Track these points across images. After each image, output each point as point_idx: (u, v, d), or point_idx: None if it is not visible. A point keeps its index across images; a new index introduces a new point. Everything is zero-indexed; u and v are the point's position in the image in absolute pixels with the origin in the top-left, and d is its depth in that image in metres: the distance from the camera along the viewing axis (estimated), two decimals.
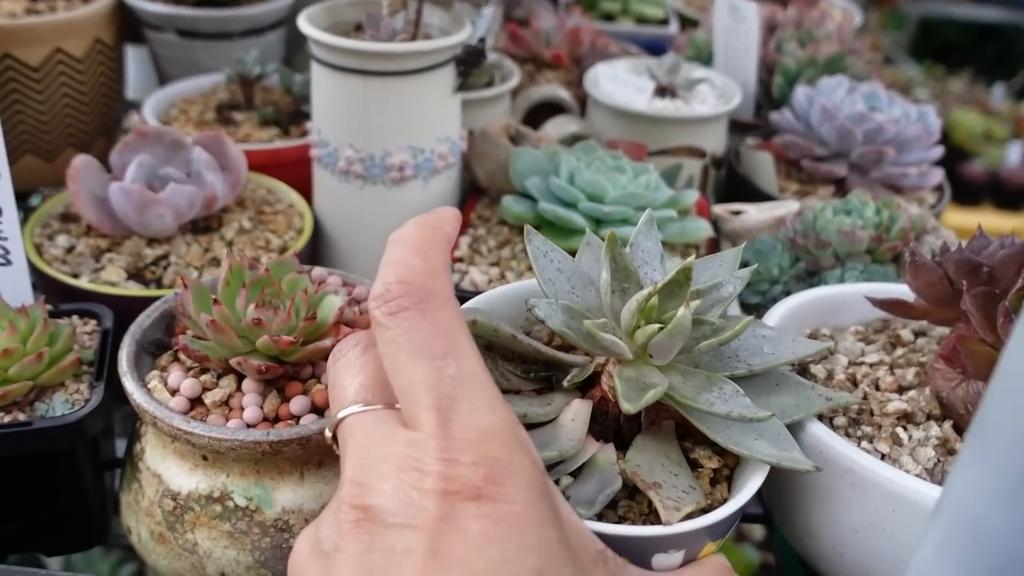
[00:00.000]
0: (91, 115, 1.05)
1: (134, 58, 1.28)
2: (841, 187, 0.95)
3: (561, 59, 1.12)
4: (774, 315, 0.66)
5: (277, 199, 0.87)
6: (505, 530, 0.31)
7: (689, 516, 0.46)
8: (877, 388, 0.62)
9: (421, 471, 0.32)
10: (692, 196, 0.83)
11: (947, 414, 0.59)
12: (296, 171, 0.89)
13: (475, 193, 0.90)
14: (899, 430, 0.57)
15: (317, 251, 0.87)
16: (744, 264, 0.79)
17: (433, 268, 0.37)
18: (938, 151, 0.94)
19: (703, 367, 0.54)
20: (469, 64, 0.78)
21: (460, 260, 0.80)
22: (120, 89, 1.12)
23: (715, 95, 1.02)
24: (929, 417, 0.59)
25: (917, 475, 0.53)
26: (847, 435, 0.57)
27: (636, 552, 0.46)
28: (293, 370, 0.60)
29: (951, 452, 0.56)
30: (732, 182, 1.00)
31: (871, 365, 0.64)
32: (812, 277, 0.78)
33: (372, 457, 0.34)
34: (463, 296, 0.74)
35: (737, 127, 1.07)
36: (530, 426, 0.52)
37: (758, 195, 0.94)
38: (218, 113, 1.01)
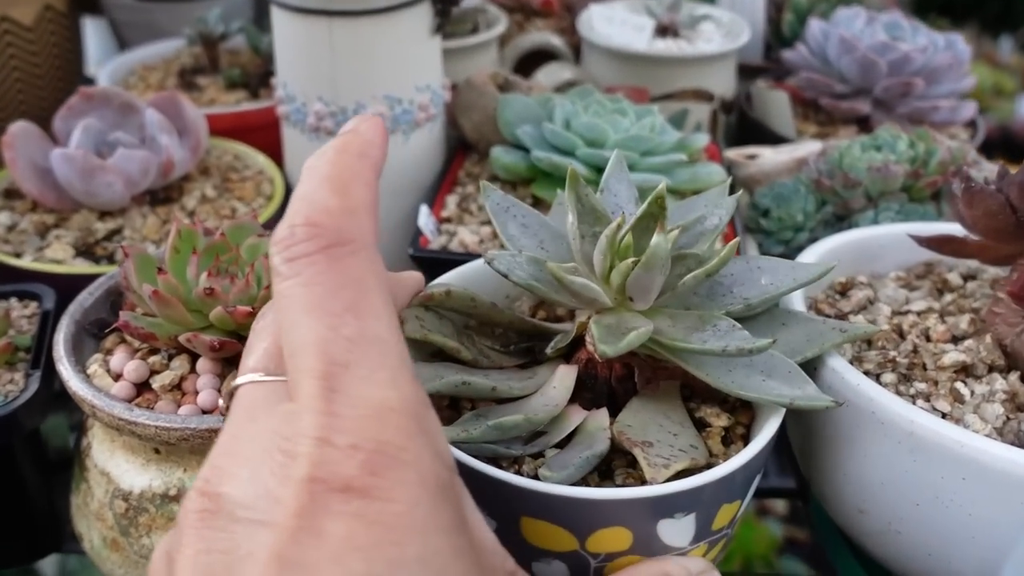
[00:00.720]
0: (45, 89, 0.96)
1: (95, 31, 1.19)
2: (865, 126, 0.87)
3: (551, 5, 1.03)
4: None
5: (245, 165, 0.79)
6: (377, 536, 0.23)
7: (689, 474, 0.40)
8: (927, 339, 0.54)
9: (290, 454, 0.24)
10: (702, 139, 0.74)
11: (1012, 364, 0.51)
12: (268, 135, 0.81)
13: (463, 148, 0.82)
14: (959, 385, 0.49)
15: None
16: (765, 212, 0.71)
17: (352, 207, 0.29)
18: (970, 81, 0.85)
19: (693, 307, 0.47)
20: (447, 1, 0.70)
21: (448, 220, 0.71)
22: (78, 62, 1.04)
23: (721, 33, 0.93)
24: (991, 369, 0.51)
25: (987, 435, 0.45)
26: (898, 393, 0.49)
27: (637, 521, 0.39)
28: None
29: (1021, 408, 0.48)
30: (744, 128, 0.92)
31: (919, 313, 0.56)
32: (841, 222, 0.70)
33: (241, 435, 0.26)
34: (452, 259, 0.66)
35: (746, 71, 0.99)
36: (503, 400, 0.45)
37: (774, 139, 0.85)
38: (180, 78, 0.92)
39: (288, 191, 0.76)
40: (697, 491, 0.40)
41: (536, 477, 0.42)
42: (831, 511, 0.54)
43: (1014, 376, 0.50)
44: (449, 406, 0.48)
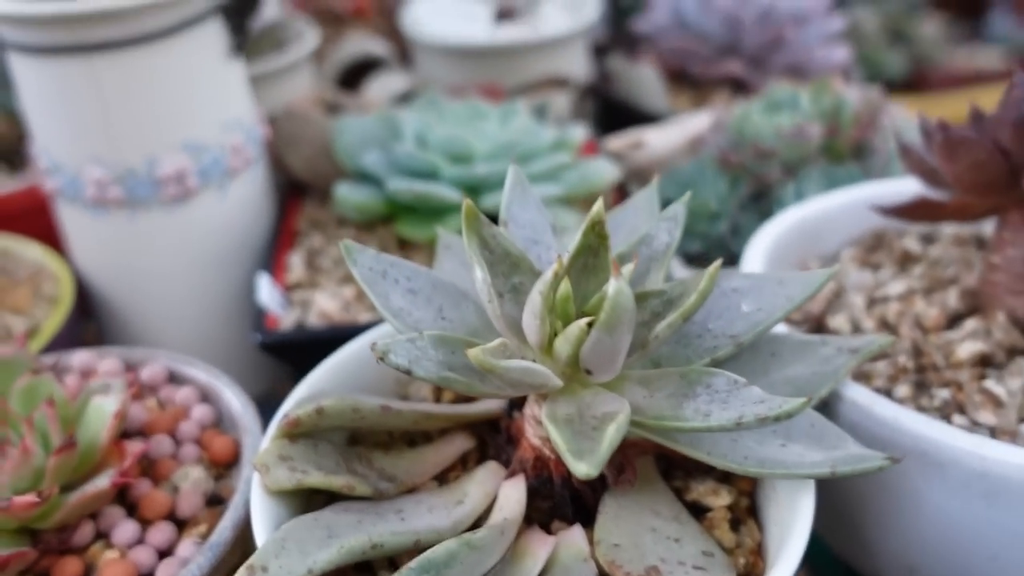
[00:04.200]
0: None
1: None
2: (741, 89, 0.78)
3: (363, 10, 0.89)
4: (746, 266, 0.47)
5: (15, 263, 0.61)
6: None
7: None
8: (922, 328, 0.44)
9: None
10: (579, 132, 0.62)
11: None
12: (39, 220, 0.63)
13: (296, 192, 0.67)
14: (989, 384, 0.39)
15: (86, 324, 0.62)
16: (667, 202, 0.60)
17: None
18: (839, 21, 0.78)
19: (666, 362, 0.35)
20: (241, 13, 0.55)
21: (297, 286, 0.56)
22: None
23: (562, 12, 0.82)
24: (1012, 352, 0.41)
25: None
26: (920, 408, 0.39)
27: None
28: (59, 540, 0.35)
29: None
30: (610, 111, 0.81)
31: (900, 298, 0.47)
32: (760, 200, 0.60)
33: None
34: (314, 339, 0.51)
35: (595, 50, 0.88)
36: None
37: (645, 118, 0.75)
38: None
39: (80, 287, 0.59)
40: None
41: None
42: (859, 567, 0.43)
43: None
44: (356, 568, 0.34)
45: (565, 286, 0.32)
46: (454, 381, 0.31)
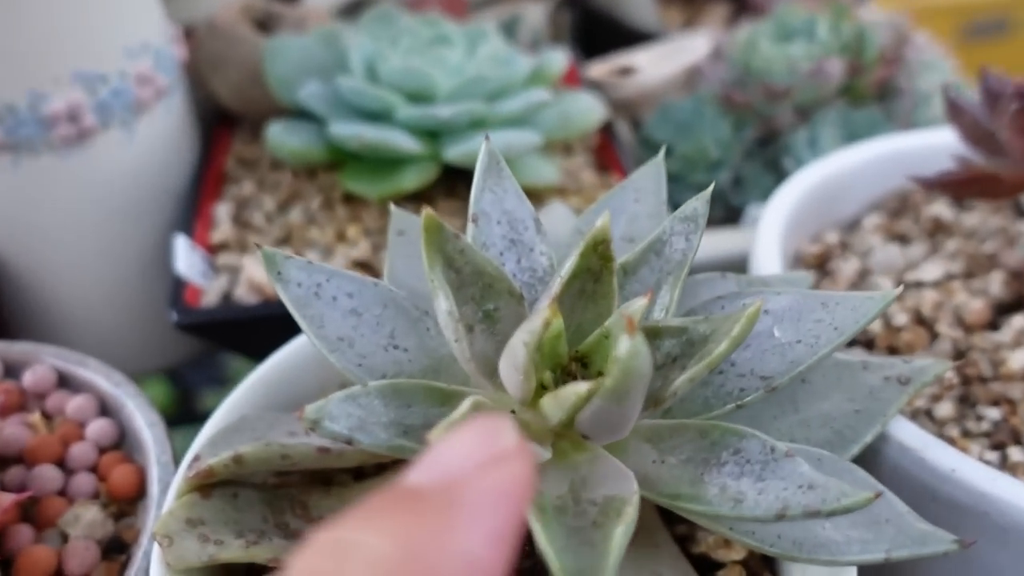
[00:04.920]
0: None
1: None
2: (741, 6, 0.68)
3: None
4: (760, 247, 0.39)
5: None
6: None
7: None
8: (964, 327, 0.37)
9: None
10: (559, 59, 0.53)
11: None
12: None
13: (223, 124, 0.57)
14: None
15: None
16: (658, 147, 0.53)
17: None
18: None
19: (678, 408, 0.27)
20: None
21: (223, 247, 0.47)
22: None
23: None
24: None
25: None
26: (966, 433, 0.33)
27: None
28: None
29: None
30: (590, 28, 0.71)
31: (936, 285, 0.40)
32: (767, 148, 0.52)
33: None
34: (244, 318, 0.43)
35: None
36: None
37: (633, 37, 0.65)
38: None
39: None
40: None
41: None
42: None
43: None
44: None
45: (557, 324, 0.25)
46: (410, 450, 0.24)
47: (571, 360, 0.25)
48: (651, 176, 0.33)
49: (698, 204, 0.28)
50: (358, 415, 0.24)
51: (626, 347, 0.21)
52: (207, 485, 0.29)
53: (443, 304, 0.25)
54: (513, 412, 0.26)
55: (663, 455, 0.25)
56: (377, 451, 0.24)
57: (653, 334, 0.25)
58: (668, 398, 0.24)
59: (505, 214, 0.29)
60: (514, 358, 0.23)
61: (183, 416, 0.61)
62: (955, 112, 0.38)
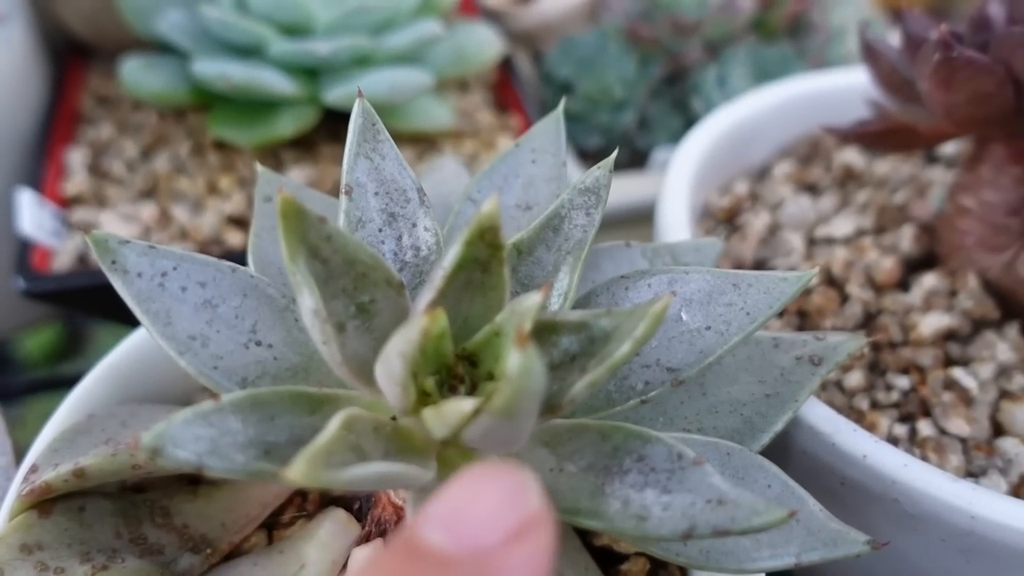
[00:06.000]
0: None
1: None
2: None
3: None
4: (667, 203, 0.36)
5: None
6: None
7: None
8: (874, 286, 0.36)
9: None
10: None
11: (1008, 307, 0.34)
12: None
13: (77, 57, 0.50)
14: (957, 374, 0.32)
15: None
16: (565, 86, 0.49)
17: None
18: None
19: (580, 409, 0.25)
20: None
21: (78, 201, 0.42)
22: None
23: None
24: (980, 325, 0.34)
25: None
26: (875, 405, 0.31)
27: None
28: None
29: None
30: None
31: (846, 241, 0.38)
32: (675, 86, 0.49)
33: None
34: (98, 286, 0.38)
35: None
36: None
37: None
38: None
39: None
40: None
41: None
42: None
43: (1013, 331, 0.34)
44: None
45: (442, 322, 0.22)
46: (270, 474, 0.21)
47: (458, 359, 0.23)
48: (550, 133, 0.30)
49: (599, 174, 0.25)
50: (209, 436, 0.20)
51: (517, 364, 0.18)
52: (47, 500, 0.25)
53: (308, 301, 0.21)
54: (394, 419, 0.23)
55: (561, 462, 0.23)
56: (233, 477, 0.21)
57: (550, 329, 0.23)
58: (566, 405, 0.22)
59: (383, 184, 0.26)
60: (390, 368, 0.20)
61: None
62: (871, 56, 0.35)
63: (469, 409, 0.20)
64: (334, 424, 0.20)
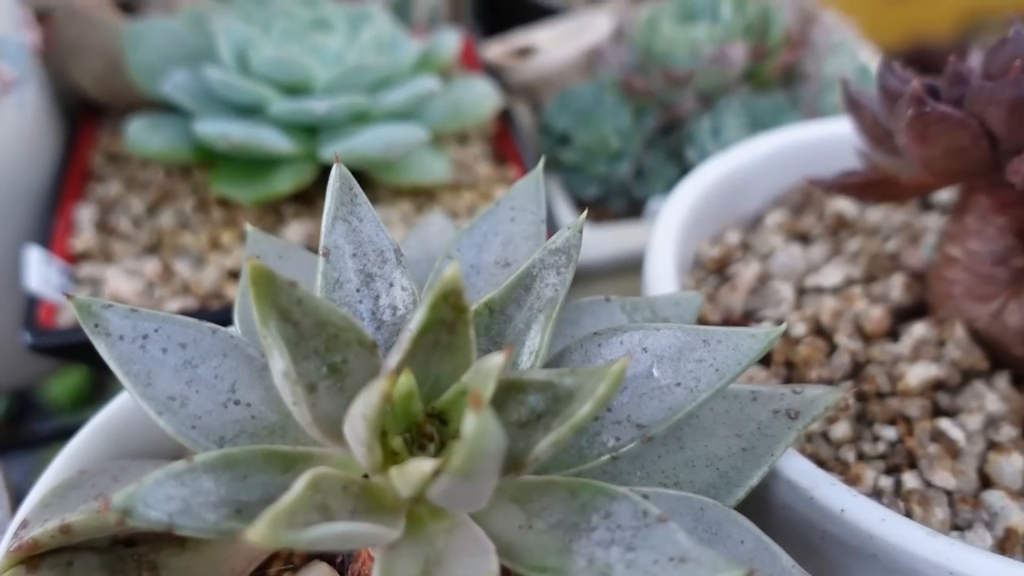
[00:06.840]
0: None
1: None
2: None
3: None
4: (654, 254, 0.37)
5: None
6: None
7: None
8: (863, 336, 0.36)
9: None
10: (450, 41, 0.50)
11: (996, 357, 0.34)
12: None
13: (89, 116, 0.52)
14: (944, 425, 0.31)
15: None
16: (563, 138, 0.50)
17: None
18: None
19: (552, 464, 0.25)
20: None
21: (85, 257, 0.44)
22: None
23: None
24: (969, 375, 0.34)
25: None
26: (861, 456, 0.31)
27: None
28: None
29: None
30: (493, 3, 0.68)
31: (836, 291, 0.38)
32: (670, 136, 0.50)
33: None
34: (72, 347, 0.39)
35: None
36: None
37: (536, 11, 0.62)
38: None
39: None
40: None
41: None
42: None
43: (1002, 381, 0.34)
44: None
45: (408, 382, 0.22)
46: (240, 533, 0.21)
47: (428, 418, 0.23)
48: (529, 192, 0.30)
49: (569, 234, 0.26)
50: (181, 496, 0.21)
51: (472, 426, 0.18)
52: (35, 556, 0.26)
53: (278, 363, 0.22)
54: (366, 476, 0.23)
55: (531, 519, 0.23)
56: (204, 536, 0.21)
57: (517, 388, 0.23)
58: (530, 463, 0.22)
59: (360, 246, 0.26)
60: (355, 429, 0.21)
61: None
62: (854, 108, 0.36)
63: (429, 469, 0.20)
64: (299, 484, 0.20)
